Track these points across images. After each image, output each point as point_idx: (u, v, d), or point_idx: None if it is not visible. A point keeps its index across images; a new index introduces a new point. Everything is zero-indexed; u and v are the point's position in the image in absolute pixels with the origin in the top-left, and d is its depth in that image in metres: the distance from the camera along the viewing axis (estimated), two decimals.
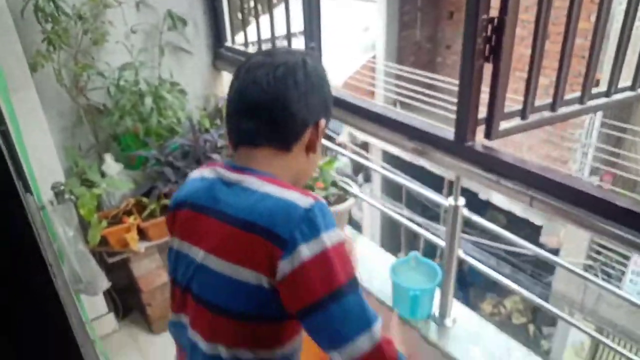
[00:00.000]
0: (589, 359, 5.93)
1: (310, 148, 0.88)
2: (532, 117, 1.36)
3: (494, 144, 1.36)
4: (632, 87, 1.51)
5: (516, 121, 1.35)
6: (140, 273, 2.13)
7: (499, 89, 1.27)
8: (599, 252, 5.23)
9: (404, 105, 7.05)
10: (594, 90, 1.45)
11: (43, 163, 1.90)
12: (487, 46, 1.25)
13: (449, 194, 1.47)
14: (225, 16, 2.43)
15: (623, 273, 4.99)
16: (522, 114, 1.35)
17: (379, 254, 1.87)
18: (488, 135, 1.31)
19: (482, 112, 1.33)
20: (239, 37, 2.46)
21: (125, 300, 2.31)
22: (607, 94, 1.47)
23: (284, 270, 0.72)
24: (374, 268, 1.77)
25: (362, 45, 8.22)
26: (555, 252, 5.90)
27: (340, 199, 1.89)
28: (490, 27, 1.23)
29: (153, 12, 2.23)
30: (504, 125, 1.33)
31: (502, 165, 1.26)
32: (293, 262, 0.71)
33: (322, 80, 0.89)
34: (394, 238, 8.79)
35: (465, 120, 1.33)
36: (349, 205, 1.84)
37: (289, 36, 2.08)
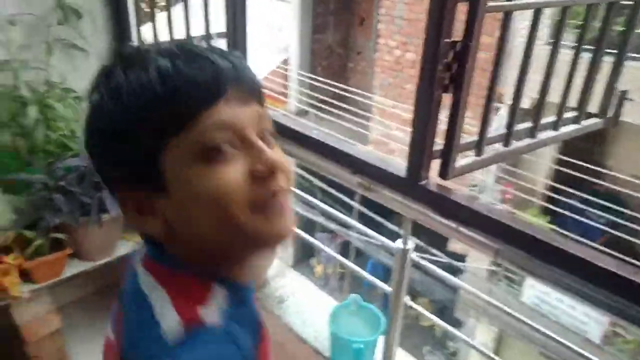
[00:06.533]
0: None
1: None
2: (487, 154, 1.25)
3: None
4: (575, 120, 1.47)
5: (472, 158, 1.23)
6: (25, 320, 1.74)
7: (457, 124, 1.14)
8: None
9: (316, 115, 6.96)
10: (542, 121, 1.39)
11: None
12: (447, 74, 1.12)
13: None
14: (130, 9, 2.09)
15: (524, 278, 5.30)
16: (477, 149, 1.24)
17: (315, 295, 1.69)
18: (444, 173, 1.18)
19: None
20: (148, 33, 2.13)
21: (6, 352, 1.90)
22: (554, 126, 1.41)
23: None
24: (309, 312, 1.58)
25: (276, 47, 8.02)
26: (462, 258, 6.15)
27: None
28: (452, 53, 1.09)
29: (38, 0, 1.85)
30: (458, 162, 1.20)
31: (462, 210, 1.13)
32: None
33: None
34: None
35: (419, 155, 1.18)
36: None
37: (207, 36, 1.82)
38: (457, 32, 1.11)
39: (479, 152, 1.23)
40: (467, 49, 1.08)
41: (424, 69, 1.12)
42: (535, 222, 4.83)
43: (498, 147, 1.29)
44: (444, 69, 1.10)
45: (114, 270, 2.38)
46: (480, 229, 1.09)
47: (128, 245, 1.91)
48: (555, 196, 5.05)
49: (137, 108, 0.49)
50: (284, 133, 1.46)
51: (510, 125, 1.28)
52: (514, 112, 1.27)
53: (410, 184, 1.20)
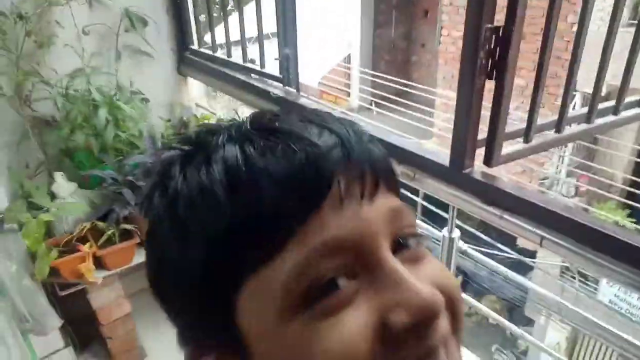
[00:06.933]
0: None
1: None
2: (536, 140, 1.21)
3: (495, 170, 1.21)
4: (639, 103, 1.38)
5: (520, 145, 1.20)
6: (99, 304, 1.91)
7: (501, 111, 1.11)
8: None
9: (379, 106, 6.92)
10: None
11: None
12: (490, 61, 1.09)
13: None
14: (190, 16, 2.21)
15: None
16: (525, 136, 1.20)
17: None
18: (488, 161, 1.16)
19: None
20: (207, 38, 2.25)
21: (85, 332, 2.08)
22: (614, 111, 1.33)
23: None
24: None
25: (339, 44, 8.06)
26: (532, 254, 5.88)
27: None
28: (494, 38, 1.07)
29: (108, 11, 2.00)
30: (505, 149, 1.17)
31: (506, 197, 1.11)
32: None
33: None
34: None
35: (463, 144, 1.17)
36: None
37: (260, 39, 1.89)
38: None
39: (527, 139, 1.20)
40: (510, 34, 1.05)
41: (465, 55, 1.10)
42: (610, 216, 4.52)
43: (549, 133, 1.24)
44: (486, 55, 1.08)
45: None
46: (525, 216, 1.06)
47: None
48: (635, 191, 4.70)
49: (195, 230, 0.32)
50: None
51: (562, 111, 1.23)
52: (566, 98, 1.22)
53: (454, 173, 1.19)
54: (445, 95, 6.43)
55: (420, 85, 6.23)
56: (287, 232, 0.30)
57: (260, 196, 0.30)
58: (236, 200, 0.30)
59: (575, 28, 1.19)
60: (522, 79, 5.50)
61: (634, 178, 4.83)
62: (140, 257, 1.91)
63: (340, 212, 0.30)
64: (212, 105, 2.35)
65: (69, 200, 1.84)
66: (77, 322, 2.04)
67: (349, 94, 7.79)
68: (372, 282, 0.30)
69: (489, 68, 1.09)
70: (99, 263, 1.83)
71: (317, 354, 0.29)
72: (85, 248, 1.78)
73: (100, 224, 1.83)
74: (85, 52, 1.92)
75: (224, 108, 2.30)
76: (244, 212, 0.30)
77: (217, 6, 2.30)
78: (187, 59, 2.22)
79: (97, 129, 1.83)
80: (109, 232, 1.81)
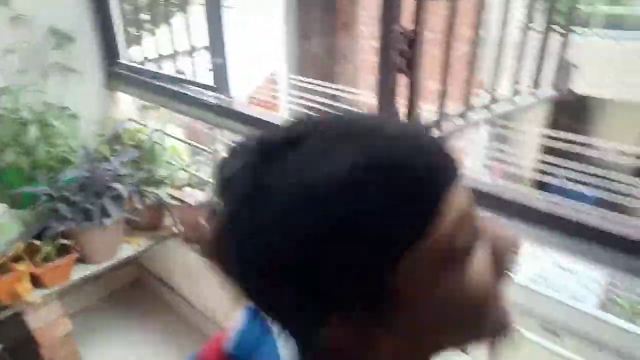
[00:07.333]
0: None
1: None
2: (448, 129, 1.38)
3: None
4: (532, 93, 1.60)
5: (435, 133, 1.36)
6: (38, 325, 1.86)
7: (414, 101, 1.26)
8: None
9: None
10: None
11: None
12: (402, 59, 1.24)
13: None
14: (118, 31, 2.24)
15: None
16: (437, 124, 1.37)
17: None
18: None
19: None
20: (138, 52, 2.29)
21: (23, 356, 2.01)
22: (511, 100, 1.54)
23: None
24: None
25: (269, 56, 8.18)
26: None
27: None
28: (404, 39, 1.22)
29: (32, 29, 1.99)
30: None
31: None
32: None
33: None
34: None
35: None
36: None
37: (192, 50, 1.98)
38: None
39: (439, 128, 1.36)
40: (416, 36, 1.21)
41: (381, 55, 1.25)
42: None
43: (458, 121, 1.42)
44: (398, 54, 1.23)
45: (118, 277, 2.51)
46: None
47: (129, 248, 2.03)
48: (545, 169, 5.15)
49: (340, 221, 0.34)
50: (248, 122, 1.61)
51: (467, 102, 1.41)
52: (468, 92, 1.41)
53: None
54: (367, 97, 6.74)
55: (350, 89, 6.48)
56: (436, 209, 0.35)
57: (415, 177, 0.34)
58: (395, 182, 0.34)
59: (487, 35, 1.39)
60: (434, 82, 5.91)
61: (544, 160, 5.25)
62: (79, 272, 1.89)
63: (459, 192, 0.37)
64: (144, 117, 2.37)
65: None
66: (14, 347, 1.96)
67: (278, 105, 7.91)
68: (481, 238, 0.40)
69: (401, 65, 1.24)
70: (36, 282, 1.80)
71: (469, 291, 0.38)
72: (20, 267, 1.75)
73: (36, 242, 1.80)
74: (10, 71, 1.89)
75: (157, 120, 2.33)
76: (403, 195, 0.34)
77: (145, 22, 2.33)
78: (116, 74, 2.24)
79: (27, 146, 1.81)
80: (46, 249, 1.78)
